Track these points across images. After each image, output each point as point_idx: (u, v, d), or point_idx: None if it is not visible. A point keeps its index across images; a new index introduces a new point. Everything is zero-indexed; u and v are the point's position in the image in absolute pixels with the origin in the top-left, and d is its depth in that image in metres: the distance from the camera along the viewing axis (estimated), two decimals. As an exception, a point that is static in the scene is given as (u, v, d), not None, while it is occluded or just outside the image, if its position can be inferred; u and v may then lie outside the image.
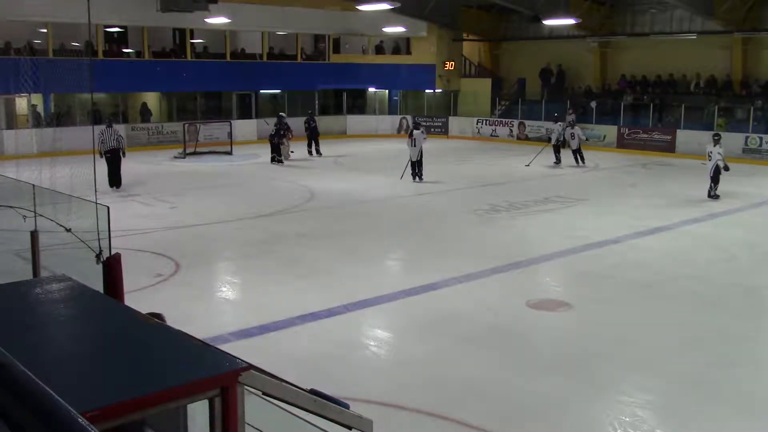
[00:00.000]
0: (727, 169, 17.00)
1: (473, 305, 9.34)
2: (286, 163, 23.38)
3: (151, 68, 28.23)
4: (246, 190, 18.56)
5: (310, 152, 25.54)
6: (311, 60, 33.29)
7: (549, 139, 23.93)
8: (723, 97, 27.12)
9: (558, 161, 23.13)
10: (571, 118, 27.98)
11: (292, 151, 24.11)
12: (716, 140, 17.49)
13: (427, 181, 19.36)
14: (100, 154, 17.04)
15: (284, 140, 23.76)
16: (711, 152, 17.26)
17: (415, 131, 19.52)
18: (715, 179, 17.15)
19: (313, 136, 25.70)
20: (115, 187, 17.76)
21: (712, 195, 17.19)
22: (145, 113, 28.70)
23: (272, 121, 24.30)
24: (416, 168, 19.36)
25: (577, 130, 23.66)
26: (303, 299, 9.40)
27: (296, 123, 28.75)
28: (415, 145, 19.37)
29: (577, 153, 23.16)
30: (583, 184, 19.52)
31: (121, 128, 26.37)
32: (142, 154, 25.32)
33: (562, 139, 23.53)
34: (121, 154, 17.94)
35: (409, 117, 33.89)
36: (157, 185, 18.74)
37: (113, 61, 26.95)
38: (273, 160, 23.29)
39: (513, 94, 33.47)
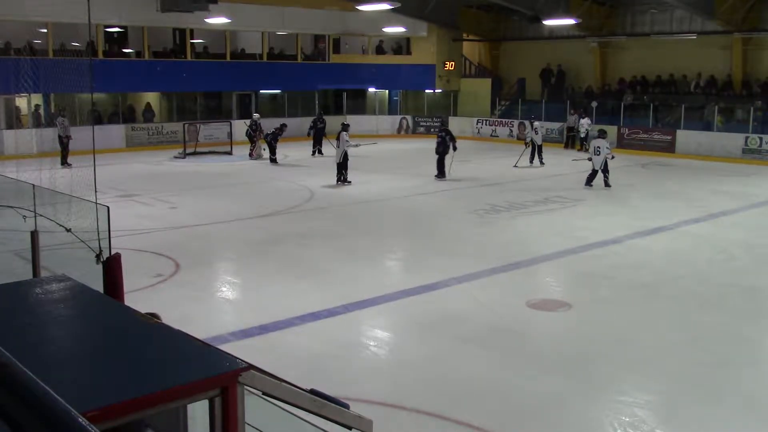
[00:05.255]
0: (612, 157, 18.83)
1: (473, 305, 9.33)
2: (285, 163, 23.41)
3: (151, 68, 28.24)
4: (246, 190, 18.57)
5: (313, 153, 25.56)
6: (311, 60, 33.30)
7: (530, 142, 23.65)
8: (723, 97, 27.13)
9: (536, 161, 23.24)
10: (573, 118, 28.06)
11: (264, 149, 24.25)
12: (603, 136, 19.20)
13: (351, 185, 19.34)
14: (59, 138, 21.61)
15: (255, 140, 24.51)
16: (598, 147, 18.64)
17: (342, 133, 19.27)
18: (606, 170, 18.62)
19: (318, 137, 25.71)
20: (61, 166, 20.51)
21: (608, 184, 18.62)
22: (147, 113, 28.72)
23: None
24: (339, 170, 19.02)
25: (586, 121, 26.98)
26: (303, 299, 9.40)
27: (294, 123, 28.81)
28: (338, 147, 19.18)
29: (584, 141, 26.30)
30: (583, 184, 19.51)
31: (120, 128, 26.71)
32: (142, 154, 25.35)
33: (539, 139, 23.54)
34: (65, 139, 21.49)
35: (409, 117, 33.97)
36: (157, 185, 18.74)
37: (113, 61, 26.96)
38: (272, 160, 23.38)
39: (513, 94, 33.48)
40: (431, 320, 8.74)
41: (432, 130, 33.30)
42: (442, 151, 20.09)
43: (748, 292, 10.12)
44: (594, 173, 18.57)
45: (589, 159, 18.89)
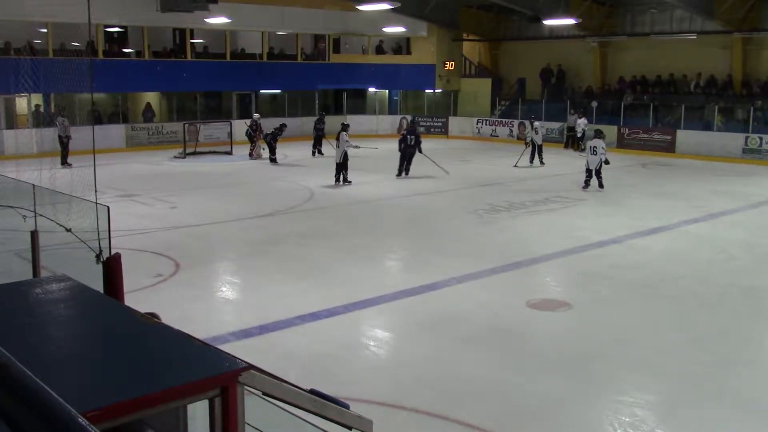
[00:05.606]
0: (607, 162, 18.38)
1: (473, 305, 9.33)
2: (285, 163, 23.42)
3: (151, 68, 28.24)
4: (246, 190, 18.57)
5: (314, 153, 25.55)
6: (311, 60, 33.30)
7: (530, 142, 23.56)
8: (723, 97, 27.13)
9: (536, 161, 23.23)
10: (573, 118, 28.06)
11: (263, 149, 24.29)
12: (600, 136, 18.70)
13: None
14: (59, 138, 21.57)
15: (255, 140, 24.60)
16: (595, 147, 18.21)
17: (341, 133, 19.34)
18: (599, 172, 18.26)
19: (318, 137, 25.69)
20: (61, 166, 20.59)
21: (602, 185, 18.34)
22: (147, 113, 28.74)
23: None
24: (339, 170, 19.08)
25: (583, 121, 26.90)
26: (303, 299, 9.40)
27: (294, 123, 28.78)
28: (338, 147, 19.24)
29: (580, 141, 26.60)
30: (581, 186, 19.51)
31: (120, 128, 26.73)
32: (142, 154, 25.35)
33: (539, 139, 23.49)
34: (65, 139, 21.44)
35: (409, 117, 33.95)
36: (157, 185, 18.74)
37: (113, 61, 26.96)
38: (271, 160, 23.41)
39: (513, 94, 33.47)
40: (431, 320, 8.74)
41: (432, 130, 33.36)
42: (403, 150, 20.32)
43: (748, 292, 10.12)
44: (590, 174, 18.26)
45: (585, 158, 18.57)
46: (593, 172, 18.24)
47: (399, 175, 20.29)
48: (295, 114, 31.22)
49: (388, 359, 7.84)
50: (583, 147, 27.17)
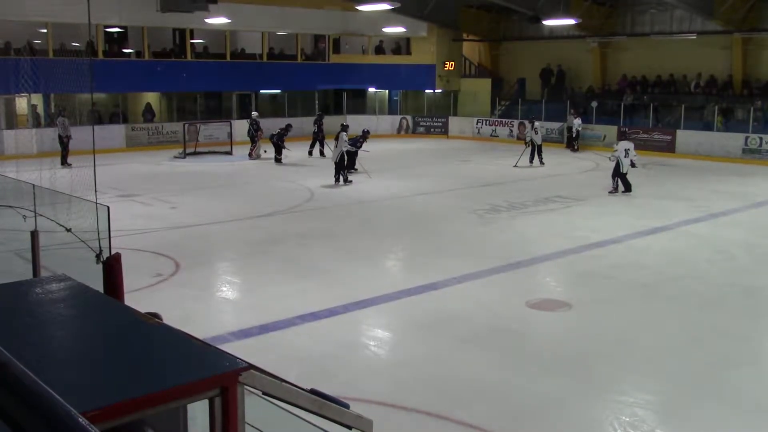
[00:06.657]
0: (633, 165, 17.94)
1: (473, 305, 9.33)
2: (286, 163, 23.43)
3: (151, 68, 28.23)
4: (246, 190, 18.57)
5: (310, 153, 25.53)
6: (311, 60, 33.30)
7: (530, 142, 23.49)
8: (723, 97, 27.13)
9: (536, 161, 23.20)
10: (572, 118, 28.04)
11: (265, 151, 24.34)
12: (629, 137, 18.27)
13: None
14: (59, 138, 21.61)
15: (257, 140, 24.62)
16: (628, 149, 17.68)
17: (341, 134, 19.40)
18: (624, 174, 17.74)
19: (317, 139, 25.68)
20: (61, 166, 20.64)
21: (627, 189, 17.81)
22: (147, 113, 28.74)
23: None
24: (338, 170, 19.15)
25: (578, 121, 27.10)
26: (303, 299, 9.40)
27: (295, 123, 28.75)
28: (336, 147, 19.29)
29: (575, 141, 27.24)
30: (583, 184, 19.52)
31: (121, 128, 26.73)
32: (142, 154, 25.34)
33: (538, 139, 23.47)
34: (65, 139, 21.51)
35: (409, 117, 33.97)
36: (157, 185, 18.74)
37: (113, 61, 26.96)
38: (276, 160, 23.41)
39: (513, 94, 33.47)
40: (431, 320, 8.74)
41: (432, 130, 33.37)
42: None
43: (748, 292, 10.12)
44: (620, 176, 17.63)
45: (610, 159, 17.97)
46: (623, 175, 17.63)
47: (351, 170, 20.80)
48: (295, 114, 31.21)
49: (388, 359, 7.84)
50: (576, 147, 27.26)
